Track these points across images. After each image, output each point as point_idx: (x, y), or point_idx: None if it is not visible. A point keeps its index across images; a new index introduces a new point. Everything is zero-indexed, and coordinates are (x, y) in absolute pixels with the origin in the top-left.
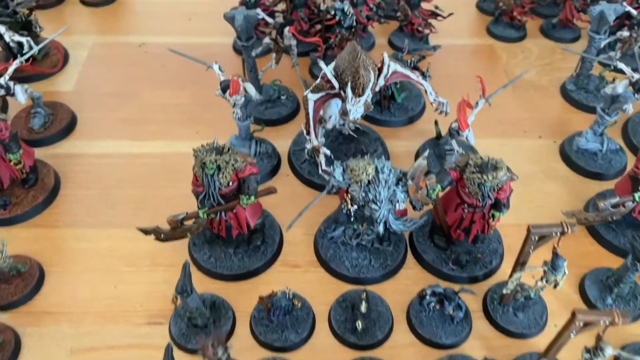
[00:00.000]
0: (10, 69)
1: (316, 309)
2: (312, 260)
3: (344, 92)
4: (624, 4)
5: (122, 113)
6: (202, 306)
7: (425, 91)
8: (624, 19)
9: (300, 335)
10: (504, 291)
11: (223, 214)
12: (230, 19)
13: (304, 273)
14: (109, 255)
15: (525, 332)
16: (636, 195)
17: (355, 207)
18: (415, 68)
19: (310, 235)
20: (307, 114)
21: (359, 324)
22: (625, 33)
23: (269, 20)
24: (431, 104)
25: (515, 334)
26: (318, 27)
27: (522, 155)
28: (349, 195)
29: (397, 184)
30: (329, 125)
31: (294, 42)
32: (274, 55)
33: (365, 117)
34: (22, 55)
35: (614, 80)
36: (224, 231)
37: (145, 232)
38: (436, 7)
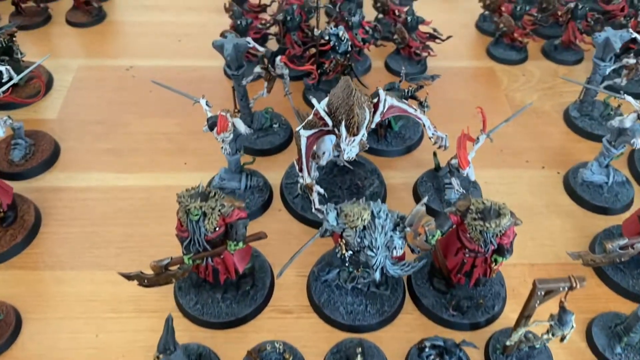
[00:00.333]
0: None
1: None
2: (305, 306)
3: (338, 130)
4: (630, 29)
5: (108, 143)
6: None
7: (424, 125)
8: (628, 43)
9: None
10: (508, 343)
11: (210, 259)
12: (219, 47)
13: (296, 320)
14: (91, 300)
15: None
16: None
17: (350, 252)
18: (412, 97)
19: (303, 277)
20: (300, 150)
21: None
22: (631, 60)
23: (260, 48)
24: (429, 138)
25: None
26: (312, 50)
27: (524, 187)
28: (344, 240)
29: (394, 229)
30: (323, 162)
31: (286, 71)
32: (265, 84)
33: None
34: (1, 85)
35: (619, 106)
36: (210, 276)
37: (128, 277)
38: (434, 30)
